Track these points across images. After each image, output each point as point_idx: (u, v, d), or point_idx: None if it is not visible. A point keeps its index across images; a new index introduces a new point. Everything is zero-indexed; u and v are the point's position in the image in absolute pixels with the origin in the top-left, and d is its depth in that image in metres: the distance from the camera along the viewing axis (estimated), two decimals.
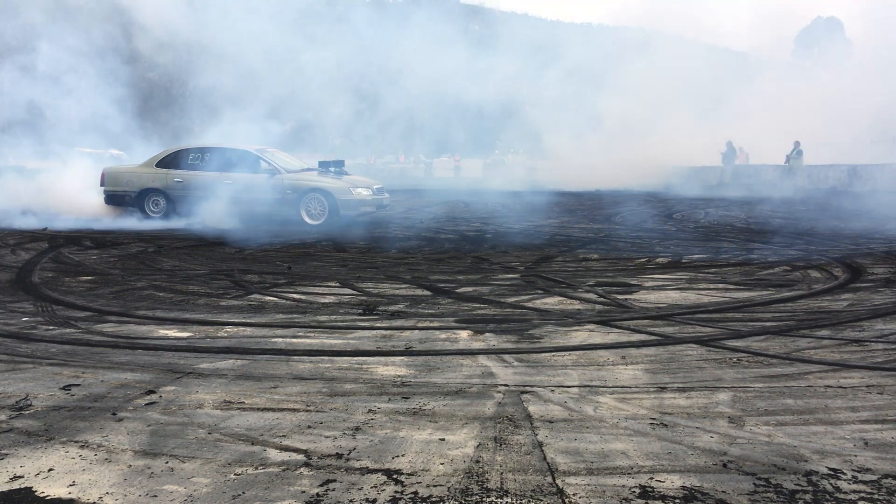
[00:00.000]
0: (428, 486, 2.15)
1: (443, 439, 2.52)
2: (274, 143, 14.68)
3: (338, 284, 6.10)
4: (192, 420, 2.73)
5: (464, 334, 4.19)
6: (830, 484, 2.16)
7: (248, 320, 4.62)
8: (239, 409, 2.86)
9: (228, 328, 4.39)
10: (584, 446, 2.45)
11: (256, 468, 2.28)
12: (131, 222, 11.96)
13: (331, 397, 3.01)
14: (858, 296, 5.36)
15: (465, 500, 2.05)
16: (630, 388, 3.13)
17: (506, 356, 3.65)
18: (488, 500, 2.05)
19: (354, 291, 5.73)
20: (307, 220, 11.81)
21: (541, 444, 2.46)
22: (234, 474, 2.23)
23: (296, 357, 3.67)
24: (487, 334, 4.18)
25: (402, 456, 2.38)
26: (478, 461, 2.32)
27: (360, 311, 4.88)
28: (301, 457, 2.37)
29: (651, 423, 2.68)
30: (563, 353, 3.72)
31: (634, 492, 2.11)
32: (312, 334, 4.23)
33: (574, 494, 2.09)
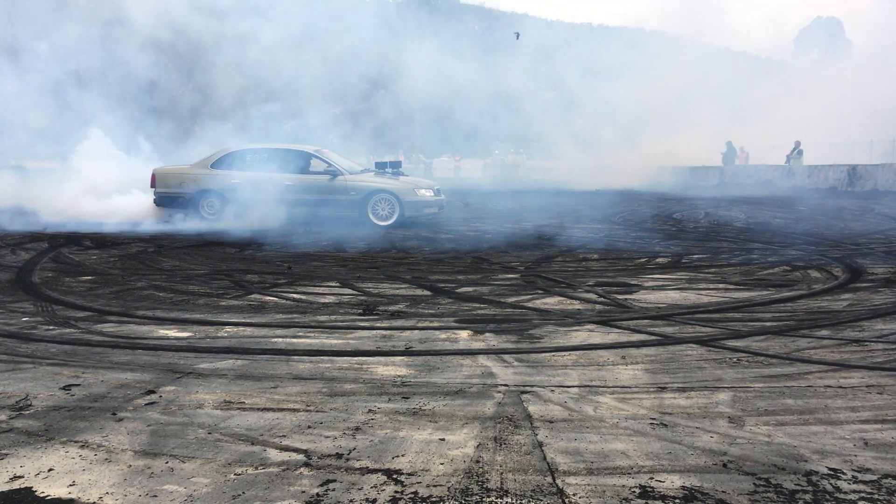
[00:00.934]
0: (428, 486, 2.15)
1: (443, 439, 2.52)
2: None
3: (338, 284, 6.10)
4: (192, 420, 2.73)
5: (464, 334, 4.19)
6: (830, 484, 2.16)
7: (248, 320, 4.62)
8: (239, 409, 2.86)
9: (228, 328, 4.39)
10: (584, 446, 2.45)
11: (256, 468, 2.28)
12: (196, 225, 11.39)
13: (331, 397, 3.01)
14: (858, 296, 5.36)
15: (465, 500, 2.05)
16: (630, 388, 3.13)
17: (506, 356, 3.65)
18: (488, 500, 2.05)
19: (354, 291, 5.73)
20: (375, 221, 11.71)
21: (541, 444, 2.46)
22: (234, 474, 2.23)
23: (296, 357, 3.67)
24: (487, 334, 4.18)
25: (402, 456, 2.38)
26: (478, 461, 2.32)
27: (360, 311, 4.89)
28: (301, 457, 2.37)
29: (651, 423, 2.68)
30: (563, 353, 3.72)
31: (634, 492, 2.11)
32: (312, 334, 4.23)
33: (574, 494, 2.09)
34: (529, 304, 5.11)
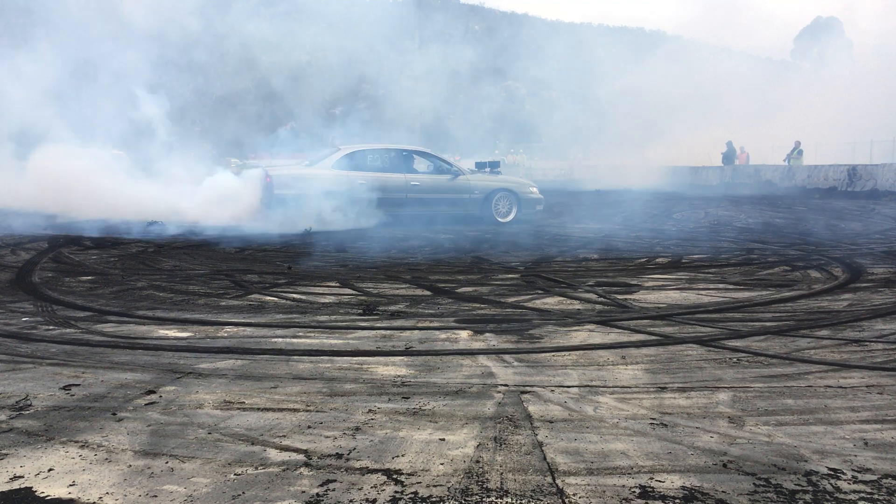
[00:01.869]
0: (428, 486, 2.15)
1: (443, 439, 2.52)
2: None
3: (338, 284, 6.10)
4: (192, 420, 2.73)
5: (464, 334, 4.19)
6: (830, 484, 2.16)
7: (248, 320, 4.62)
8: (239, 409, 2.86)
9: (228, 328, 4.38)
10: (584, 446, 2.45)
11: (256, 468, 2.28)
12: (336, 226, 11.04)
13: (331, 397, 3.01)
14: (858, 296, 5.36)
15: (465, 500, 2.05)
16: (630, 388, 3.13)
17: (506, 356, 3.65)
18: (488, 500, 2.05)
19: (354, 291, 5.73)
20: (498, 218, 12.24)
21: (541, 444, 2.46)
22: (234, 474, 2.23)
23: (296, 357, 3.67)
24: (487, 334, 4.18)
25: (402, 456, 2.38)
26: (478, 461, 2.32)
27: (360, 311, 4.88)
28: (301, 457, 2.37)
29: (651, 423, 2.68)
30: (563, 353, 3.72)
31: (634, 492, 2.11)
32: (312, 334, 4.23)
33: (574, 494, 2.09)
34: (529, 304, 5.11)
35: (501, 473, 2.23)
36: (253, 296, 5.55)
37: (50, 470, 2.26)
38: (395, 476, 2.22)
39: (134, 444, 2.48)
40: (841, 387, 3.13)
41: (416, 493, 2.10)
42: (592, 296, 5.44)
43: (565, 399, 2.96)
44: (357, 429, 2.63)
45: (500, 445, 2.46)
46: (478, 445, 2.46)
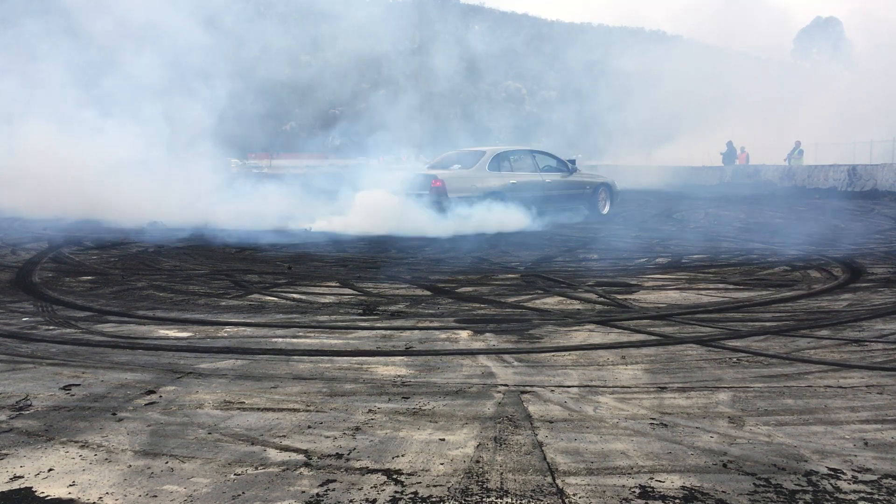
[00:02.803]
0: (428, 486, 2.15)
1: (443, 439, 2.52)
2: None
3: (338, 284, 6.10)
4: (192, 420, 2.73)
5: (464, 334, 4.19)
6: (830, 484, 2.16)
7: (248, 320, 4.62)
8: (239, 409, 2.86)
9: (228, 328, 4.38)
10: (584, 446, 2.45)
11: (256, 468, 2.28)
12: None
13: (331, 397, 3.01)
14: (858, 296, 5.36)
15: (465, 500, 2.05)
16: (630, 388, 3.13)
17: (506, 356, 3.65)
18: (488, 500, 2.05)
19: (354, 291, 5.73)
20: (602, 212, 13.33)
21: (541, 444, 2.46)
22: (234, 474, 2.23)
23: (296, 357, 3.67)
24: (487, 334, 4.18)
25: (402, 456, 2.38)
26: (478, 461, 2.32)
27: (360, 311, 4.88)
28: (301, 457, 2.37)
29: (651, 423, 2.68)
30: (563, 353, 3.72)
31: (634, 492, 2.11)
32: (312, 334, 4.23)
33: (574, 494, 2.09)
34: (529, 304, 5.11)
35: (501, 473, 2.23)
36: (253, 296, 5.55)
37: (50, 470, 2.26)
38: (395, 476, 2.22)
39: (134, 444, 2.48)
40: (841, 387, 3.13)
41: (416, 493, 2.10)
42: (592, 296, 5.44)
43: (565, 399, 2.96)
44: (357, 429, 2.63)
45: (500, 445, 2.46)
46: (478, 445, 2.46)
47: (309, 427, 2.65)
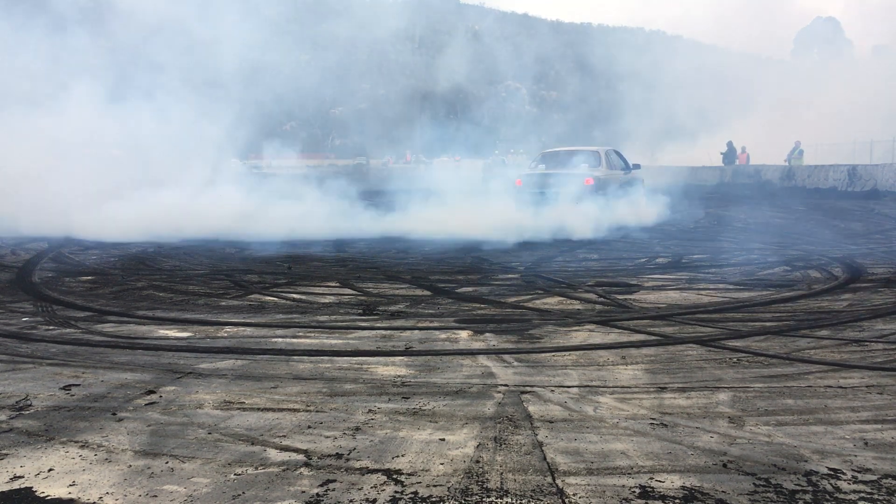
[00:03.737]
0: (428, 486, 2.15)
1: (443, 439, 2.52)
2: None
3: (338, 284, 6.10)
4: (192, 420, 2.73)
5: (464, 334, 4.19)
6: (830, 484, 2.16)
7: (248, 320, 4.62)
8: (239, 409, 2.86)
9: (228, 328, 4.38)
10: (584, 446, 2.45)
11: (256, 468, 2.28)
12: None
13: (331, 397, 3.01)
14: (858, 296, 5.35)
15: (465, 500, 2.05)
16: (630, 388, 3.13)
17: (506, 356, 3.65)
18: (488, 500, 2.05)
19: (354, 291, 5.73)
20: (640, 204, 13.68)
21: (541, 444, 2.46)
22: (234, 474, 2.23)
23: (296, 357, 3.67)
24: (487, 334, 4.18)
25: (402, 456, 2.38)
26: (478, 461, 2.32)
27: (360, 311, 4.88)
28: (301, 457, 2.37)
29: (651, 423, 2.67)
30: (563, 353, 3.72)
31: (634, 492, 2.11)
32: (312, 334, 4.23)
33: (574, 494, 2.08)
34: (529, 304, 5.11)
35: (501, 473, 2.23)
36: (253, 296, 5.55)
37: (50, 470, 2.26)
38: (395, 476, 2.22)
39: (134, 444, 2.48)
40: (841, 387, 3.12)
41: (416, 493, 2.10)
42: (592, 296, 5.44)
43: (565, 399, 2.96)
44: (357, 429, 2.63)
45: (500, 445, 2.46)
46: (478, 445, 2.46)
47: (309, 427, 2.65)
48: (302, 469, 2.27)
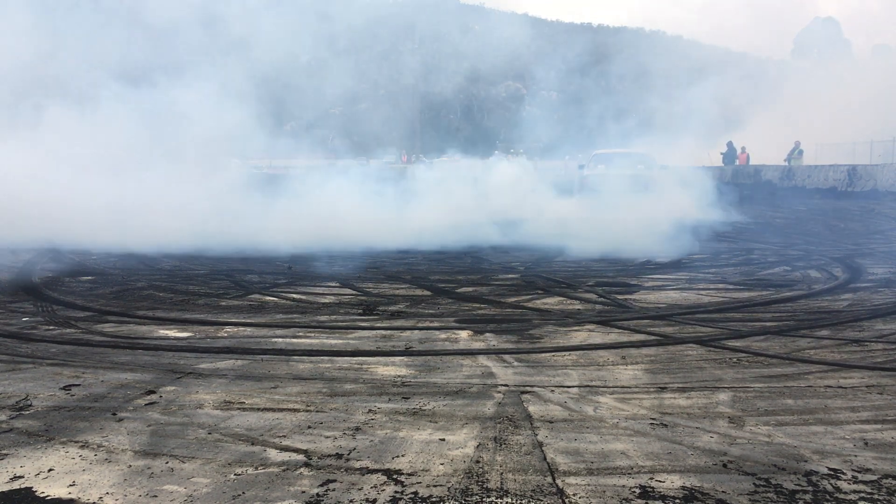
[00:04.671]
0: (428, 486, 2.15)
1: (443, 439, 2.52)
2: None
3: (338, 284, 6.10)
4: (192, 420, 2.72)
5: (464, 334, 4.19)
6: (830, 484, 2.16)
7: (248, 320, 4.62)
8: (239, 409, 2.86)
9: (228, 328, 4.38)
10: (584, 446, 2.45)
11: (256, 468, 2.28)
12: None
13: (331, 397, 3.01)
14: (858, 296, 5.35)
15: (465, 500, 2.05)
16: (630, 388, 3.13)
17: (506, 356, 3.65)
18: (488, 500, 2.05)
19: (354, 291, 5.73)
20: None
21: (541, 444, 2.46)
22: (234, 474, 2.23)
23: (296, 357, 3.67)
24: (487, 334, 4.18)
25: (402, 456, 2.38)
26: (478, 461, 2.32)
27: (360, 311, 4.88)
28: (301, 457, 2.37)
29: (651, 423, 2.67)
30: (563, 353, 3.72)
31: (634, 492, 2.10)
32: (312, 334, 4.23)
33: (574, 494, 2.08)
34: (529, 304, 5.10)
35: (501, 473, 2.23)
36: (253, 296, 5.55)
37: (50, 470, 2.26)
38: (395, 476, 2.22)
39: (134, 444, 2.48)
40: (841, 387, 3.12)
41: (416, 493, 2.10)
42: (592, 296, 5.43)
43: (565, 399, 2.96)
44: (357, 429, 2.63)
45: (501, 445, 2.46)
46: (478, 445, 2.46)
47: (309, 427, 2.65)
48: (302, 469, 2.27)
